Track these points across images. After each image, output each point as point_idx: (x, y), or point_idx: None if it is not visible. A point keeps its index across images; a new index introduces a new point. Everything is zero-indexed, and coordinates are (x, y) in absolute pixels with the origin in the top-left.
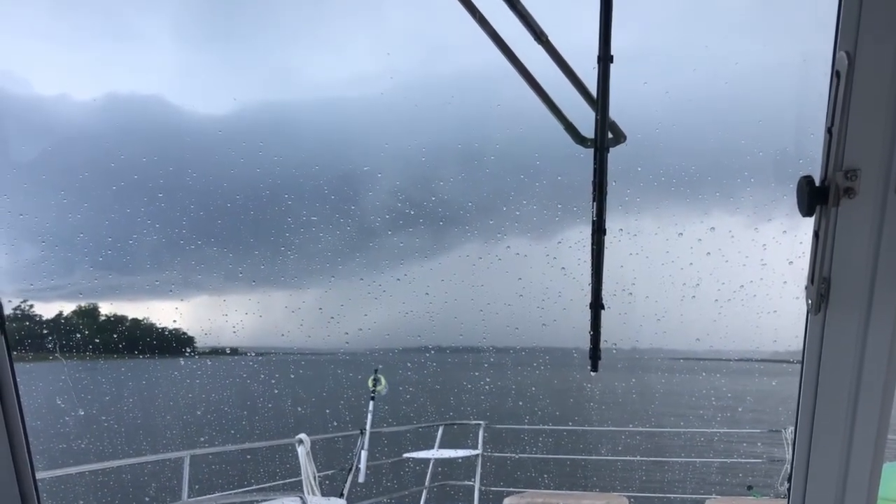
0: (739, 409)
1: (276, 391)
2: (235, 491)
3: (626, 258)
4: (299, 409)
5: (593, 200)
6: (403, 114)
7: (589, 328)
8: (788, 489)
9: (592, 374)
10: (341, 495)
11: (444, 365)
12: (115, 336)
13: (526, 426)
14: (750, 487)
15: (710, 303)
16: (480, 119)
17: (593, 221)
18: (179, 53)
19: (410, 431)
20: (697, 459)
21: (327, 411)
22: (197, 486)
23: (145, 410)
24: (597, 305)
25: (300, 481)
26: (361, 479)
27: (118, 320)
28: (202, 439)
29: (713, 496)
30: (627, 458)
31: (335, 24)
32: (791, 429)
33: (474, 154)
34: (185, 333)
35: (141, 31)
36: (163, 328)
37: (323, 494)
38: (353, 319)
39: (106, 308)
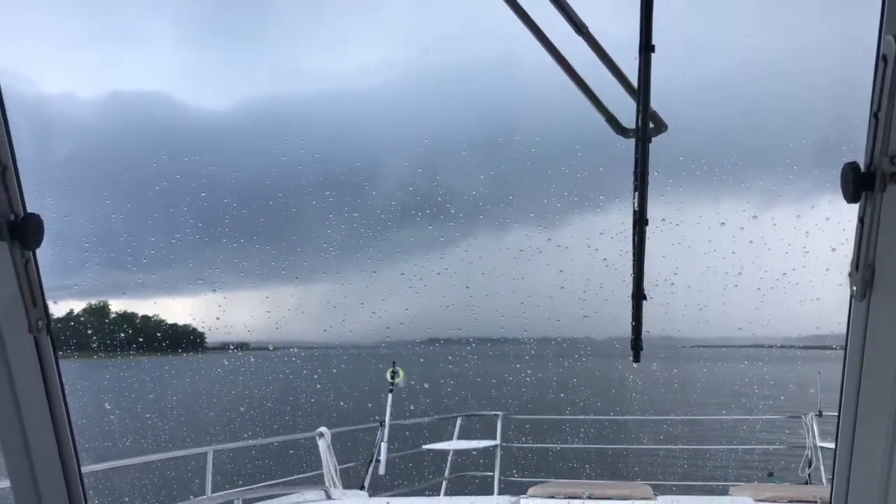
0: (782, 398)
1: (319, 386)
2: (258, 485)
3: (669, 248)
4: (342, 403)
5: (635, 191)
6: (406, 105)
7: (631, 319)
8: (809, 475)
9: (634, 364)
10: (362, 487)
11: (486, 357)
12: (126, 333)
13: (547, 416)
14: (770, 474)
15: (752, 291)
16: (492, 106)
17: (635, 212)
18: (183, 51)
19: (428, 424)
20: (710, 447)
21: (369, 405)
22: (219, 477)
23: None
24: (638, 296)
25: (321, 474)
26: (382, 470)
27: (128, 318)
28: (246, 434)
29: (737, 483)
30: (653, 446)
31: (336, 19)
32: (811, 414)
33: (502, 143)
34: (195, 329)
35: (145, 30)
36: (173, 324)
37: (344, 487)
38: (394, 311)
39: (116, 306)
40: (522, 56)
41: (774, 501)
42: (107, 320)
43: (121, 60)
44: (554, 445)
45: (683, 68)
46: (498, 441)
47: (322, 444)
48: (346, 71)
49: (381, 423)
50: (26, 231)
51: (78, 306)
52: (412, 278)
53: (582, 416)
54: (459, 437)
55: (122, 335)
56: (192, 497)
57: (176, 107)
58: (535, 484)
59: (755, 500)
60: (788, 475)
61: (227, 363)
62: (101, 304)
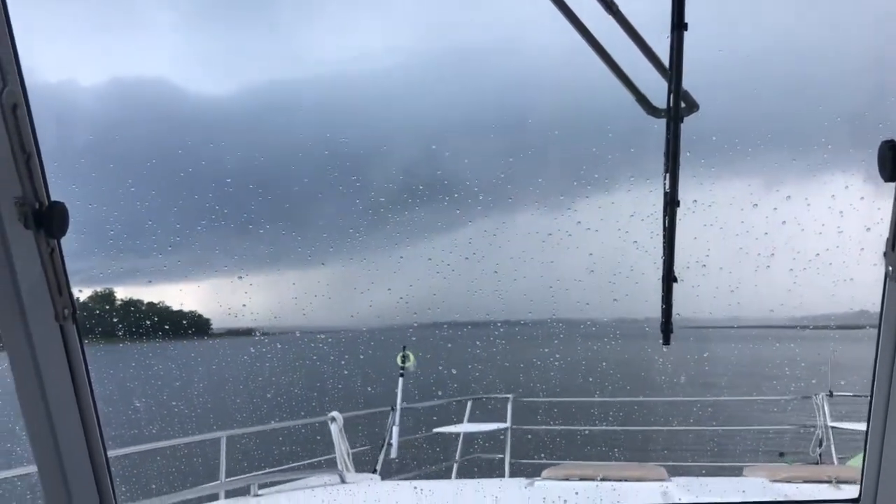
0: (814, 381)
1: (346, 371)
2: (271, 469)
3: (700, 230)
4: (369, 388)
5: (666, 172)
6: (411, 88)
7: (661, 301)
8: (820, 455)
9: (665, 347)
10: (374, 471)
11: (513, 341)
12: (133, 320)
13: (558, 399)
14: (782, 454)
15: (784, 272)
16: (501, 89)
17: (666, 193)
18: (184, 36)
19: (439, 407)
20: (721, 428)
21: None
22: (238, 457)
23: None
24: (669, 278)
25: (333, 458)
26: (394, 454)
27: (133, 304)
28: (276, 419)
29: (751, 464)
30: (663, 428)
31: (337, 3)
32: (822, 395)
33: (518, 125)
34: (200, 315)
35: (145, 15)
36: (178, 310)
37: (356, 471)
38: (421, 296)
39: (121, 293)
40: (527, 39)
41: (790, 482)
42: (109, 307)
43: (121, 47)
44: (563, 427)
45: (715, 46)
46: (508, 424)
47: (334, 429)
48: (347, 56)
49: (393, 408)
50: (52, 220)
51: (84, 294)
52: (439, 263)
53: (595, 399)
54: (470, 421)
55: (133, 322)
56: (205, 482)
57: (178, 92)
58: (546, 466)
59: (771, 481)
60: (799, 455)
61: (253, 350)
62: (107, 291)
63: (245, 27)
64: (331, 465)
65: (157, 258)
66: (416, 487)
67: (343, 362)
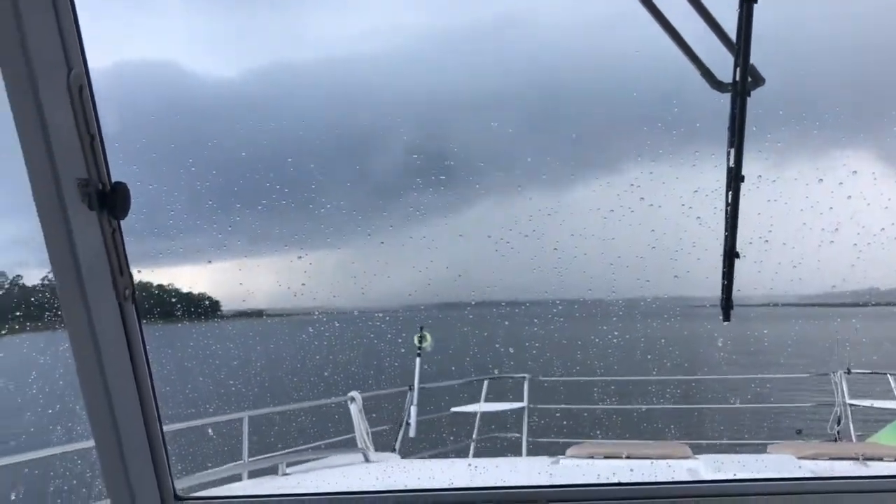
0: (875, 358)
1: (404, 350)
2: (292, 449)
3: (764, 205)
4: (425, 366)
5: (730, 147)
6: (416, 66)
7: (722, 277)
8: (838, 432)
9: (725, 323)
10: (393, 450)
11: (573, 319)
12: (147, 303)
13: (577, 378)
14: (799, 431)
15: (848, 247)
16: (537, 63)
17: (730, 168)
18: (190, 19)
19: (456, 387)
20: (737, 406)
21: (453, 368)
22: (254, 438)
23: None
24: (731, 254)
25: (353, 438)
26: (413, 433)
27: (144, 287)
28: (293, 401)
29: (775, 441)
30: (678, 406)
31: None
32: (840, 372)
33: (555, 102)
34: (210, 297)
35: None
36: (188, 292)
37: (375, 450)
38: (478, 275)
39: (136, 276)
40: (535, 13)
41: (816, 458)
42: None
43: (127, 30)
44: (580, 406)
45: (783, 17)
46: (525, 403)
47: (354, 409)
48: (352, 35)
49: (411, 387)
50: (115, 200)
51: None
52: (498, 241)
53: (618, 377)
54: (487, 400)
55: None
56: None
57: (186, 76)
58: (563, 445)
59: (798, 458)
60: (816, 433)
61: (311, 330)
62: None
63: (249, 8)
64: (350, 445)
65: (168, 242)
66: (439, 466)
67: (356, 343)
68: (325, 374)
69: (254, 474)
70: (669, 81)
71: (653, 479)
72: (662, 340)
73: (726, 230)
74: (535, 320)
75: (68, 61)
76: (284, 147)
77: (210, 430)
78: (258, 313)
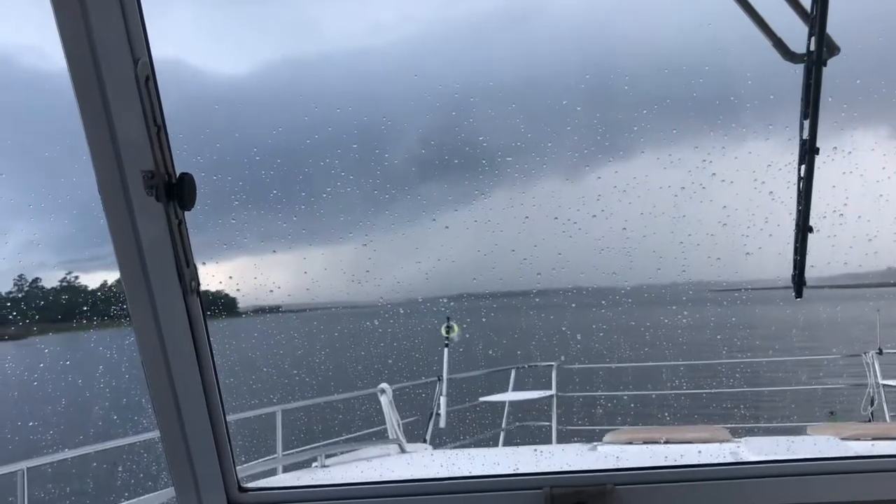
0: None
1: (470, 334)
2: (326, 442)
3: (839, 178)
4: (491, 351)
5: (804, 118)
6: (427, 59)
7: (794, 252)
8: (871, 413)
9: (797, 299)
10: (424, 440)
11: (642, 303)
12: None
13: (604, 364)
14: (832, 413)
15: None
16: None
17: (804, 141)
18: (194, 15)
19: (483, 377)
20: (767, 388)
21: (519, 352)
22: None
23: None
24: (804, 228)
25: (383, 430)
26: (443, 424)
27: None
28: (320, 394)
29: (813, 423)
30: (708, 390)
31: None
32: (871, 353)
33: (608, 86)
34: (226, 295)
35: None
36: (204, 291)
37: (407, 441)
38: (544, 259)
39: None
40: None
41: (858, 439)
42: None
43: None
44: (608, 393)
45: None
46: (553, 391)
47: (384, 400)
48: (360, 29)
49: (439, 378)
50: (183, 191)
51: (111, 277)
52: (565, 222)
53: (650, 363)
54: (514, 389)
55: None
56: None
57: (196, 73)
58: (592, 432)
59: (840, 439)
60: (849, 414)
61: (377, 322)
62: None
63: (255, 4)
64: (381, 437)
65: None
66: (479, 454)
67: (379, 335)
68: (348, 368)
69: (288, 468)
70: (740, 54)
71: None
72: (733, 319)
73: (799, 204)
74: (603, 301)
75: (133, 52)
76: (296, 142)
77: (242, 426)
78: (275, 309)
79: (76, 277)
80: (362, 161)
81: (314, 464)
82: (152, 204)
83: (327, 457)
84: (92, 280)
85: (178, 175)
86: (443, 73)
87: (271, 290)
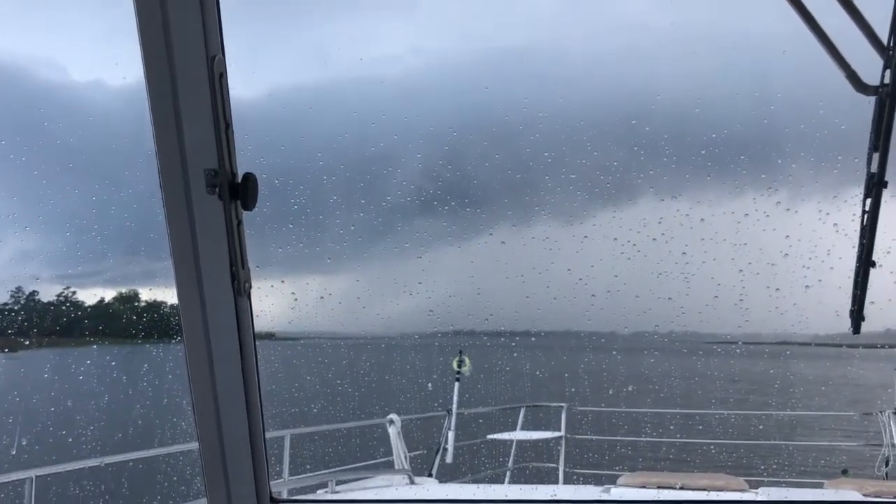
0: None
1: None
2: (332, 469)
3: None
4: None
5: (874, 151)
6: (434, 92)
7: (854, 287)
8: (886, 473)
9: (854, 334)
10: (430, 474)
11: (695, 350)
12: (160, 320)
13: (617, 409)
14: (845, 471)
15: None
16: (624, 88)
17: (871, 174)
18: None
19: (493, 414)
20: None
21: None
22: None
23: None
24: (866, 262)
25: (390, 461)
26: (450, 459)
27: (157, 305)
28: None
29: (831, 479)
30: (720, 441)
31: (364, 7)
32: (888, 412)
33: (632, 119)
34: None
35: None
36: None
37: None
38: (589, 293)
39: (146, 294)
40: (561, 44)
41: (880, 496)
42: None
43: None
44: (620, 438)
45: None
46: (563, 432)
47: (392, 431)
48: (371, 57)
49: (449, 412)
50: (247, 191)
51: (109, 294)
52: (621, 240)
53: (663, 410)
54: (523, 429)
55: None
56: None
57: None
58: (600, 477)
59: (863, 495)
60: (862, 473)
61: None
62: (132, 292)
63: (265, 28)
64: (387, 467)
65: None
66: (487, 490)
67: (375, 368)
68: (345, 396)
69: (292, 493)
70: (812, 84)
71: None
72: (788, 351)
73: (863, 237)
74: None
75: (208, 48)
76: (301, 169)
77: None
78: (269, 335)
79: (73, 293)
80: (359, 191)
81: (321, 490)
82: (214, 202)
83: (338, 483)
84: (89, 296)
85: (242, 175)
86: (445, 108)
87: (259, 316)
